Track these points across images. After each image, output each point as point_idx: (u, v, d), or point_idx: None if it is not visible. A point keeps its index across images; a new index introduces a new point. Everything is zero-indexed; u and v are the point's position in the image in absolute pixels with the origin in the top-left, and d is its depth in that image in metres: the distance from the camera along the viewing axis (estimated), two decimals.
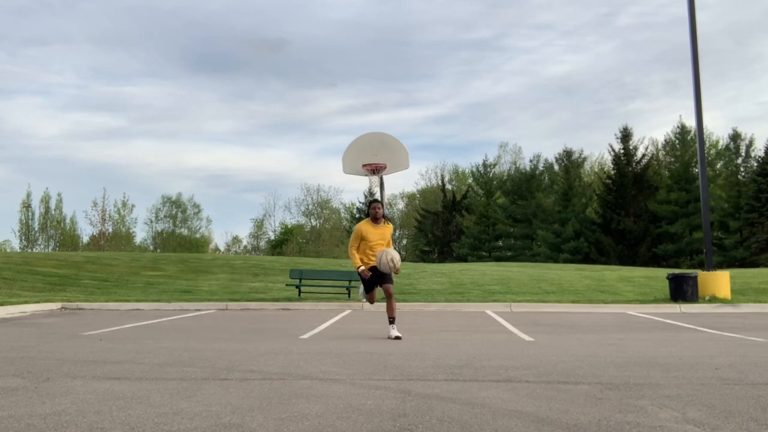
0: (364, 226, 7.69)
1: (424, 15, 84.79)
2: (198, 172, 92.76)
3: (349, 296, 15.77)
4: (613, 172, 53.63)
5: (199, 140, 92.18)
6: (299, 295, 16.09)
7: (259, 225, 72.59)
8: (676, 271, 22.95)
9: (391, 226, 7.86)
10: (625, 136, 53.58)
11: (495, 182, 62.22)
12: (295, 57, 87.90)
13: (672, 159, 55.24)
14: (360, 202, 67.06)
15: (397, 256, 7.43)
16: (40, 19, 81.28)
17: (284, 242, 65.99)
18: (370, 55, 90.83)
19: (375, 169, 15.20)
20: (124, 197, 63.94)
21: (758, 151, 51.14)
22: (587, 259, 49.58)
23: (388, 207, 67.67)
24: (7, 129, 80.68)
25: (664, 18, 79.50)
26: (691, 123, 53.34)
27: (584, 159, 60.92)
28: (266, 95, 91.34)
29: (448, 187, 66.59)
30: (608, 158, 57.11)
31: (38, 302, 13.21)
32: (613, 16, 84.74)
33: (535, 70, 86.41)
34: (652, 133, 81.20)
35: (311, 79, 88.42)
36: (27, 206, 60.60)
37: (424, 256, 61.33)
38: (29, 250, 55.82)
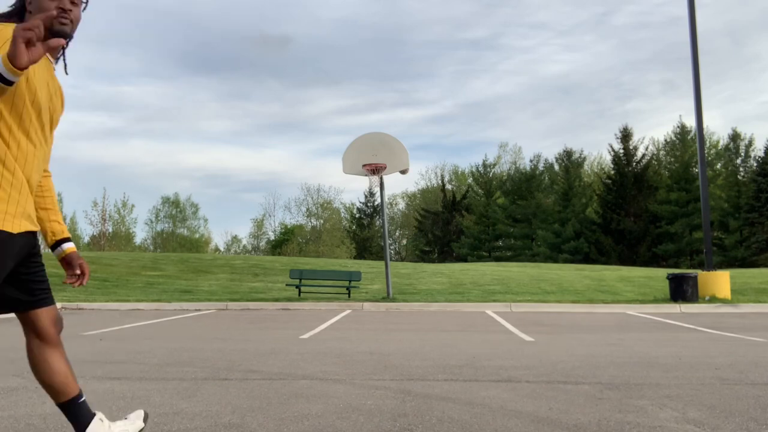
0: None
1: (420, 14, 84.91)
2: (196, 172, 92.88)
3: (349, 296, 15.77)
4: (613, 172, 53.67)
5: (197, 140, 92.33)
6: (299, 295, 16.09)
7: (259, 225, 72.63)
8: (676, 271, 22.96)
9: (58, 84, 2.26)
10: (625, 136, 53.61)
11: (495, 182, 62.25)
12: (291, 57, 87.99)
13: (672, 159, 55.29)
14: (360, 202, 67.17)
15: None
16: None
17: (284, 242, 66.01)
18: (367, 54, 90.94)
19: (375, 169, 15.21)
20: (124, 197, 64.12)
21: (758, 151, 51.23)
22: (587, 259, 49.59)
23: (389, 207, 67.66)
24: None
25: (660, 17, 79.62)
26: (690, 123, 53.43)
27: (584, 159, 60.97)
28: (263, 95, 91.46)
29: (448, 187, 66.64)
30: (608, 158, 57.20)
31: None
32: (609, 15, 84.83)
33: (533, 69, 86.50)
34: (650, 132, 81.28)
35: (308, 79, 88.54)
36: None
37: (424, 256, 61.34)
38: None
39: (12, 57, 1.68)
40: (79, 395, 2.34)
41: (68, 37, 2.12)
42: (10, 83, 1.74)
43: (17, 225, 2.05)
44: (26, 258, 2.19)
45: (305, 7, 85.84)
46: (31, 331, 2.27)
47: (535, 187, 58.46)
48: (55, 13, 1.83)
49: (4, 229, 2.01)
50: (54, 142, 2.39)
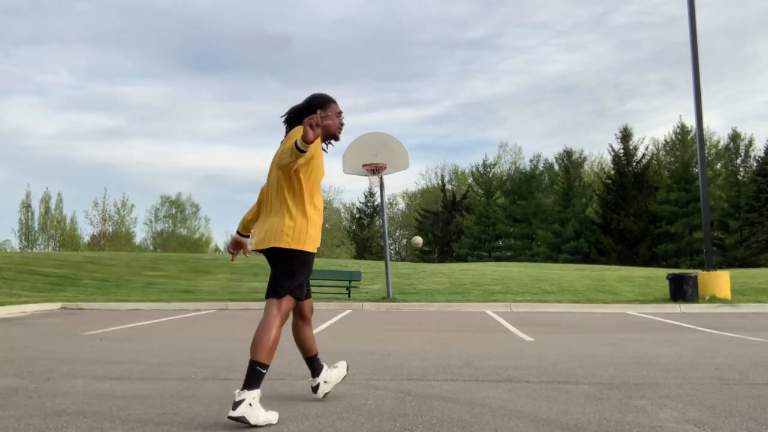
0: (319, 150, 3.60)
1: (419, 14, 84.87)
2: (196, 172, 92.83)
3: (349, 296, 15.77)
4: (613, 172, 53.64)
5: (197, 140, 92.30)
6: None
7: None
8: (676, 271, 22.96)
9: None
10: (625, 136, 53.57)
11: (495, 182, 62.21)
12: (291, 56, 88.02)
13: (672, 159, 55.29)
14: (360, 202, 67.14)
15: None
16: (34, 19, 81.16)
17: None
18: (367, 54, 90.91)
19: (375, 169, 15.21)
20: (124, 197, 64.07)
21: (758, 151, 51.21)
22: (587, 259, 49.57)
23: (389, 207, 67.59)
24: (3, 129, 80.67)
25: (660, 17, 79.62)
26: (690, 123, 53.43)
27: (584, 159, 60.93)
28: (262, 95, 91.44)
29: (448, 187, 66.61)
30: (608, 158, 57.17)
31: (38, 302, 13.22)
32: (608, 15, 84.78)
33: (532, 69, 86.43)
34: (650, 132, 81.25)
35: (307, 79, 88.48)
36: (27, 206, 60.59)
37: (424, 256, 61.31)
38: (29, 250, 55.81)
39: (304, 136, 3.01)
40: (317, 355, 3.80)
41: (338, 138, 3.73)
42: (303, 152, 3.09)
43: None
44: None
45: (305, 7, 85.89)
46: (298, 312, 3.76)
47: (535, 187, 58.43)
48: (319, 119, 3.07)
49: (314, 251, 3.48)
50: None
